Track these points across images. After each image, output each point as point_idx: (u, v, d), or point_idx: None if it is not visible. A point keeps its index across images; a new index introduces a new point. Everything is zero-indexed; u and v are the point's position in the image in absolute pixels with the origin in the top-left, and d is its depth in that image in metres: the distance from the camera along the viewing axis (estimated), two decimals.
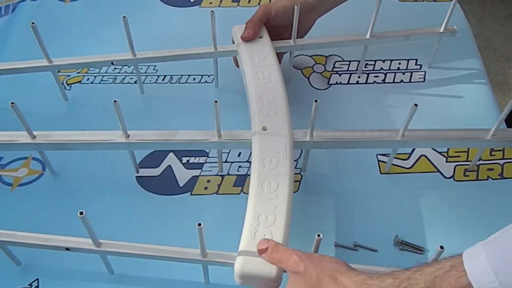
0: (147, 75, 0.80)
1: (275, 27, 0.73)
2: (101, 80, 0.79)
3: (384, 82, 0.80)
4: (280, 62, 0.74)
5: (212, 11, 0.65)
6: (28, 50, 0.72)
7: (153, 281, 0.58)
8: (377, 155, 0.70)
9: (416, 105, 0.58)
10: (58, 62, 0.70)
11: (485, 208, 0.65)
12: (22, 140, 0.61)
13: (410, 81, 0.80)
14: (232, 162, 0.69)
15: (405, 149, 0.69)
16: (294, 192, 0.65)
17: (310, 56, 0.83)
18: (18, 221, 0.63)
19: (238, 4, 0.92)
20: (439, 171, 0.68)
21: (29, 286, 0.58)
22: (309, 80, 0.80)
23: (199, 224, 0.47)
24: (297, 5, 0.67)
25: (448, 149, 0.70)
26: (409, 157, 0.70)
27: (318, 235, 0.46)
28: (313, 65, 0.82)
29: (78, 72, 0.80)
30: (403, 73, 0.81)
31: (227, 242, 0.52)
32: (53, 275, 0.59)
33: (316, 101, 0.58)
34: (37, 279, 0.58)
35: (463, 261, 0.41)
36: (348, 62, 0.82)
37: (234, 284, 0.52)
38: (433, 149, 0.70)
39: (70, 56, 0.71)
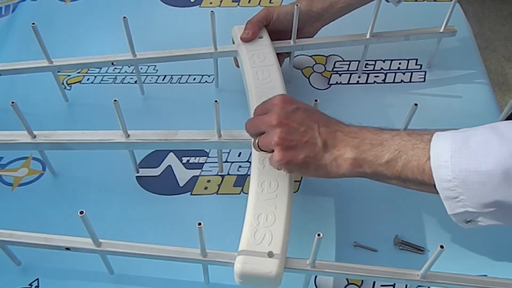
0: (147, 75, 0.80)
1: (276, 31, 0.73)
2: (101, 80, 0.79)
3: (384, 82, 0.80)
4: (281, 65, 0.74)
5: (212, 11, 0.65)
6: (28, 50, 0.72)
7: (153, 281, 0.58)
8: None
9: (416, 105, 0.58)
10: (58, 62, 0.70)
11: None
12: (22, 140, 0.61)
13: (410, 81, 0.80)
14: (232, 162, 0.69)
15: None
16: (294, 192, 0.65)
17: (310, 56, 0.83)
18: (18, 221, 0.63)
19: (238, 4, 0.92)
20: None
21: (29, 286, 0.58)
22: (309, 80, 0.80)
23: (199, 224, 0.47)
24: (297, 5, 0.67)
25: None
26: None
27: (318, 235, 0.46)
28: (313, 65, 0.82)
29: (78, 72, 0.80)
30: (403, 73, 0.81)
31: (227, 242, 0.52)
32: (53, 275, 0.59)
33: (316, 100, 0.58)
34: (37, 279, 0.58)
35: (432, 137, 0.48)
36: (348, 62, 0.82)
37: (234, 284, 0.52)
38: None
39: (70, 56, 0.71)
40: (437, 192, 0.47)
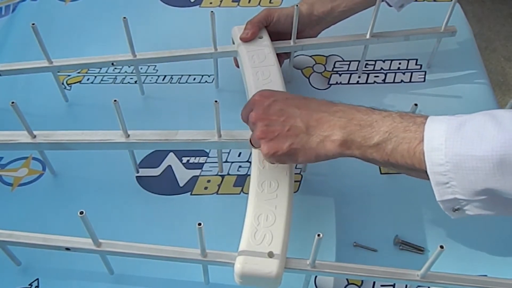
0: (147, 75, 0.80)
1: (276, 32, 0.73)
2: (101, 80, 0.79)
3: (384, 82, 0.80)
4: (281, 65, 0.74)
5: (212, 11, 0.65)
6: (28, 51, 0.72)
7: (153, 281, 0.58)
8: None
9: (416, 105, 0.58)
10: (58, 63, 0.70)
11: None
12: (22, 140, 0.61)
13: (410, 81, 0.80)
14: (232, 162, 0.69)
15: None
16: (294, 192, 0.65)
17: (310, 56, 0.83)
18: (18, 221, 0.63)
19: (238, 4, 0.92)
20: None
21: (29, 286, 0.58)
22: (309, 80, 0.80)
23: (199, 224, 0.47)
24: (297, 5, 0.67)
25: None
26: None
27: (318, 235, 0.46)
28: (313, 65, 0.82)
29: (78, 72, 0.80)
30: (403, 73, 0.81)
31: (227, 242, 0.52)
32: (53, 275, 0.59)
33: None
34: (37, 279, 0.58)
35: (426, 120, 0.47)
36: (348, 62, 0.82)
37: (234, 284, 0.52)
38: None
39: (70, 56, 0.71)
40: (427, 178, 0.46)
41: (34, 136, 0.61)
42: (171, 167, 0.69)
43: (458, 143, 0.44)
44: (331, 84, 0.79)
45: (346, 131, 0.50)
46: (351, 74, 0.81)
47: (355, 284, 0.59)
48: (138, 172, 0.68)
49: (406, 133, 0.47)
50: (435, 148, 0.45)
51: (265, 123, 0.54)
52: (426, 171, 0.46)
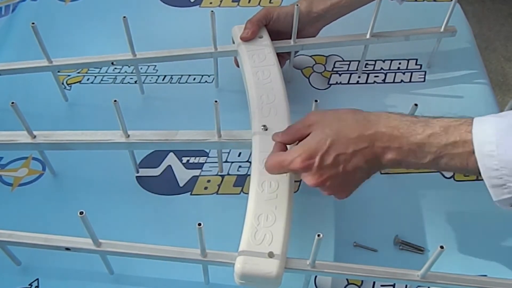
0: (147, 75, 0.80)
1: (276, 31, 0.73)
2: (101, 80, 0.79)
3: (384, 82, 0.80)
4: (282, 67, 0.74)
5: (212, 11, 0.65)
6: (28, 50, 0.72)
7: (153, 281, 0.58)
8: None
9: (416, 105, 0.58)
10: (58, 62, 0.70)
11: (485, 208, 0.64)
12: (22, 140, 0.61)
13: (410, 81, 0.80)
14: (232, 162, 0.69)
15: None
16: (294, 192, 0.64)
17: (310, 56, 0.83)
18: (18, 221, 0.63)
19: (238, 4, 0.92)
20: (439, 171, 0.68)
21: (29, 286, 0.58)
22: (309, 80, 0.80)
23: (199, 224, 0.47)
24: (297, 5, 0.67)
25: None
26: None
27: (318, 235, 0.46)
28: (313, 65, 0.82)
29: (78, 72, 0.80)
30: (403, 73, 0.81)
31: (227, 242, 0.52)
32: (53, 275, 0.59)
33: (316, 101, 0.58)
34: (37, 279, 0.58)
35: (472, 125, 0.47)
36: (348, 62, 0.82)
37: (234, 284, 0.52)
38: None
39: (70, 56, 0.71)
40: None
41: (34, 136, 0.61)
42: (171, 167, 0.69)
43: (511, 148, 0.44)
44: (331, 84, 0.79)
45: (400, 157, 0.51)
46: (351, 74, 0.81)
47: (355, 284, 0.59)
48: (138, 172, 0.68)
49: (455, 149, 0.48)
50: (487, 155, 0.45)
51: (328, 184, 0.53)
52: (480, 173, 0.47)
